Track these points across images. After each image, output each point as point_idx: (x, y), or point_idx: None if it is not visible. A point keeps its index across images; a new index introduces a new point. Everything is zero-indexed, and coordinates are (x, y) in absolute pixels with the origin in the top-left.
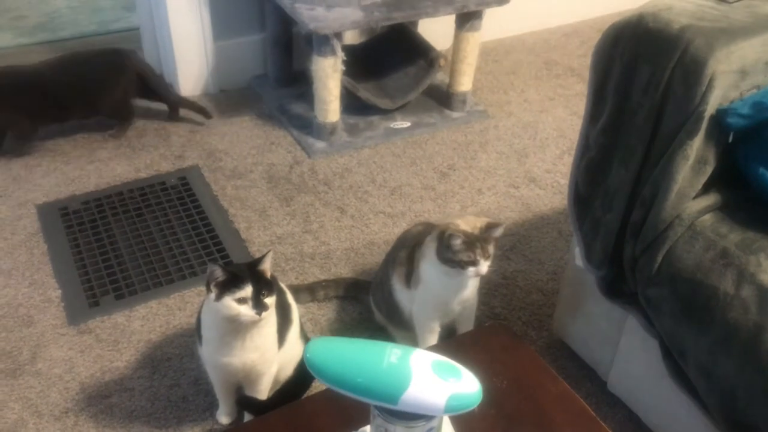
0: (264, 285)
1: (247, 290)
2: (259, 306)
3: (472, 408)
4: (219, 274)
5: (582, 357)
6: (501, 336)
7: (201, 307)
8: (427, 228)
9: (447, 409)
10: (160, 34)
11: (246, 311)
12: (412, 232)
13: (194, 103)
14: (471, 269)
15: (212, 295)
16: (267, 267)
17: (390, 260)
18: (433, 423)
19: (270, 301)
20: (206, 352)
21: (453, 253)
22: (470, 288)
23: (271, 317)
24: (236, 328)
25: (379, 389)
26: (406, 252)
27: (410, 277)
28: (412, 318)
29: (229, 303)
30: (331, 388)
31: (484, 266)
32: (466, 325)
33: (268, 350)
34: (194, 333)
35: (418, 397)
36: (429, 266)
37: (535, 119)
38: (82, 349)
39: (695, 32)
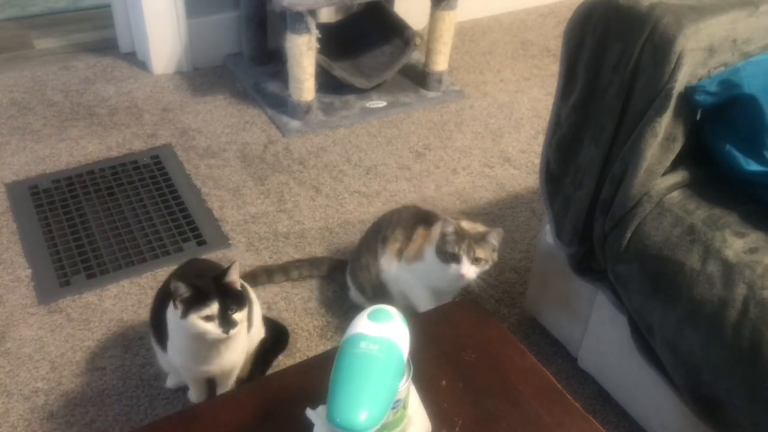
0: (232, 300)
1: (213, 308)
2: (226, 323)
3: None
4: (183, 290)
5: (553, 334)
6: (470, 311)
7: (155, 301)
8: (420, 212)
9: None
10: (132, 11)
11: (213, 329)
12: (403, 213)
13: None
14: (453, 266)
15: (178, 312)
16: (234, 278)
17: (379, 240)
18: (401, 394)
19: (239, 316)
20: (180, 360)
21: (443, 242)
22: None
23: (244, 324)
24: (209, 342)
25: (398, 375)
26: (402, 231)
27: (402, 252)
28: (401, 297)
29: (195, 321)
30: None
31: (469, 268)
32: None
33: (243, 349)
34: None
35: (405, 341)
36: (431, 253)
37: (510, 99)
38: (52, 329)
39: (664, 9)
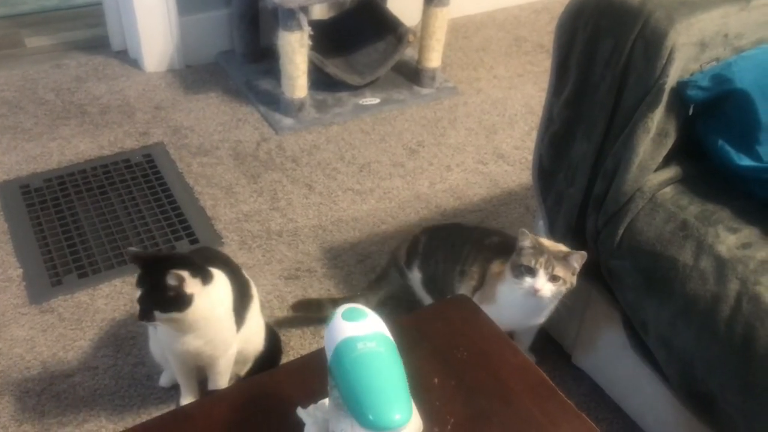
0: (160, 300)
1: (137, 293)
2: (142, 313)
3: None
4: (131, 260)
5: (547, 331)
6: (462, 309)
7: None
8: (504, 243)
9: None
10: (124, 8)
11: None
12: (486, 243)
13: None
14: (528, 280)
15: None
16: (172, 284)
17: (457, 270)
18: None
19: (166, 316)
20: (160, 332)
21: (519, 255)
22: (543, 316)
23: (216, 311)
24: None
25: (401, 363)
26: (478, 268)
27: (476, 292)
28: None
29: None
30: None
31: (545, 284)
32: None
33: (216, 337)
34: None
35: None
36: (503, 295)
37: (504, 96)
38: (44, 329)
39: (656, 4)
